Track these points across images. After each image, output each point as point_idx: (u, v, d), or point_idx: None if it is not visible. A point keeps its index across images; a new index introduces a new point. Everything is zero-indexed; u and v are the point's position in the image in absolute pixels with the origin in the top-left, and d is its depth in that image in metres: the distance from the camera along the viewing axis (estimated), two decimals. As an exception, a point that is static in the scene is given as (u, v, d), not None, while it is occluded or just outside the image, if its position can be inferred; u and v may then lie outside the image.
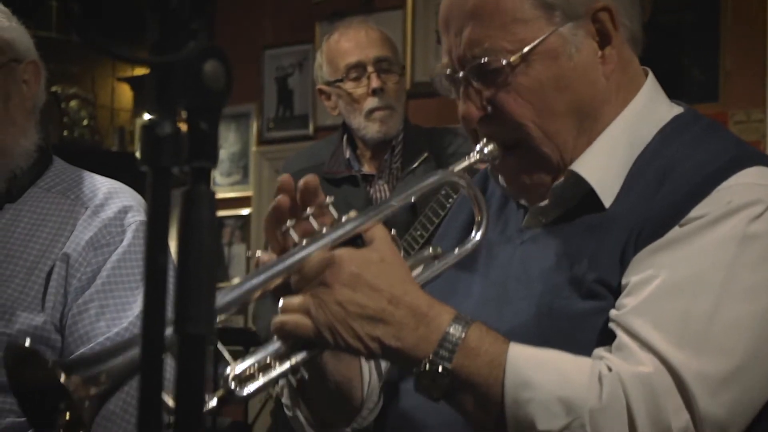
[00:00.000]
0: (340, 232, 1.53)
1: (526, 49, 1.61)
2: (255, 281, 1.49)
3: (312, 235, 1.53)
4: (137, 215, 2.15)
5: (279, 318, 1.51)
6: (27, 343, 1.41)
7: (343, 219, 1.55)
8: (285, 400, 1.77)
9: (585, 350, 1.52)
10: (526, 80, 1.61)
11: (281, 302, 1.51)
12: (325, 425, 1.76)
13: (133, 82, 7.12)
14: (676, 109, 1.73)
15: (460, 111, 1.68)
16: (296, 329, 1.49)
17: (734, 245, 1.51)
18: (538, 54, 1.61)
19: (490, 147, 1.66)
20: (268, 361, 1.51)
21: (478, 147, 1.67)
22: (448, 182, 1.68)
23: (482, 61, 1.62)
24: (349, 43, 3.50)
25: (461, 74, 1.66)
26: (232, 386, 1.48)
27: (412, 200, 1.63)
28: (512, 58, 1.61)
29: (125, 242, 2.10)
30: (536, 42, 1.61)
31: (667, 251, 1.52)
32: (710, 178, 1.55)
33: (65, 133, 6.83)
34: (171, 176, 0.82)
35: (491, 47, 1.61)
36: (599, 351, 1.52)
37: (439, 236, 1.92)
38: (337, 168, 3.52)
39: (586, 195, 1.64)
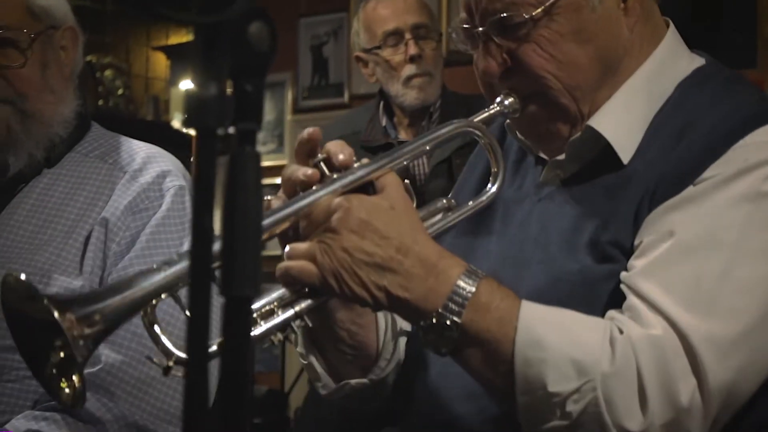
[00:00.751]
0: (350, 178, 1.51)
1: (548, 3, 1.59)
2: (263, 223, 1.46)
3: (322, 181, 1.51)
4: (176, 180, 2.15)
5: (284, 263, 1.48)
6: (23, 277, 1.39)
7: (355, 165, 1.53)
8: (299, 348, 1.75)
9: (600, 313, 1.51)
10: (548, 33, 1.60)
11: (287, 248, 1.49)
12: (341, 376, 1.74)
13: (168, 50, 7.11)
14: (698, 61, 1.71)
15: (480, 66, 1.67)
16: (300, 275, 1.47)
17: (748, 204, 1.49)
18: (561, 7, 1.60)
19: (510, 99, 1.65)
20: (271, 308, 1.49)
21: (498, 99, 1.65)
22: (464, 131, 1.66)
23: (504, 15, 1.61)
24: (387, 9, 3.49)
25: (481, 29, 1.64)
26: None
27: (428, 148, 1.61)
28: (535, 12, 1.60)
29: (164, 207, 2.10)
30: None
31: (679, 211, 1.51)
32: (727, 136, 1.53)
33: (100, 102, 6.84)
34: (217, 138, 0.81)
35: (513, 1, 1.60)
36: (611, 313, 1.50)
37: (457, 188, 1.90)
38: (374, 136, 3.51)
39: (604, 150, 1.62)
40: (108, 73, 6.95)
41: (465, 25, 1.68)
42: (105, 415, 1.91)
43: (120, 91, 7.01)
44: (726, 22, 4.97)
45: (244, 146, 0.83)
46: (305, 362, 1.76)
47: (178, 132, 6.97)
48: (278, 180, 1.58)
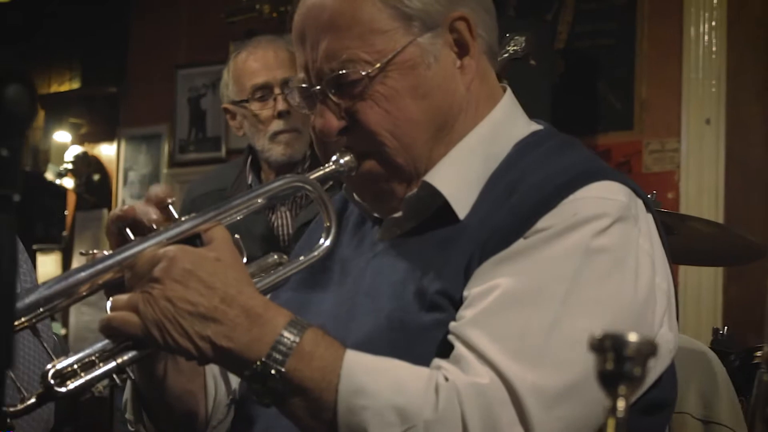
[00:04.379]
0: (177, 230, 1.49)
1: (384, 60, 1.60)
2: (83, 274, 1.44)
3: (149, 233, 1.49)
4: None
5: (106, 315, 1.45)
6: None
7: (183, 219, 1.50)
8: (128, 415, 1.71)
9: (426, 364, 1.49)
10: (383, 89, 1.60)
11: (110, 300, 1.46)
12: None
13: (44, 100, 6.98)
14: (535, 126, 1.73)
15: (318, 125, 1.65)
16: (123, 326, 1.44)
17: (578, 258, 1.50)
18: (397, 64, 1.60)
19: (347, 158, 1.64)
20: (92, 359, 1.46)
21: (334, 157, 1.64)
22: (296, 186, 1.64)
23: (340, 73, 1.60)
24: (257, 63, 3.45)
25: (318, 87, 1.64)
26: (52, 383, 1.43)
27: (259, 202, 1.58)
28: (370, 69, 1.60)
29: None
30: (394, 53, 1.60)
31: (509, 262, 1.51)
32: (557, 190, 1.54)
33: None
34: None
35: (349, 59, 1.60)
36: (437, 361, 1.49)
37: (299, 246, 1.88)
38: (239, 192, 3.45)
39: (441, 206, 1.63)
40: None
41: (302, 85, 1.67)
42: None
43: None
44: (603, 84, 5.06)
45: (-3, 213, 0.79)
46: (132, 429, 1.72)
47: (52, 183, 6.83)
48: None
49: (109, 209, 6.69)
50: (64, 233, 6.80)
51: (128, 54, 6.70)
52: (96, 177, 6.81)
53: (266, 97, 3.40)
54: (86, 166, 6.81)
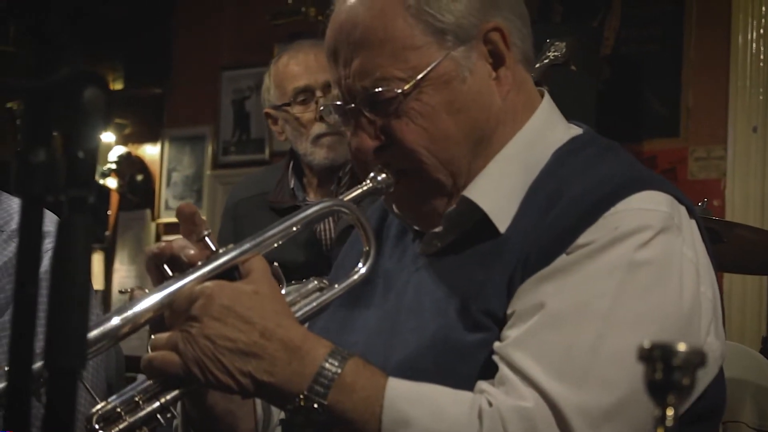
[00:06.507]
0: (214, 264, 1.49)
1: (418, 77, 1.58)
2: (123, 316, 1.44)
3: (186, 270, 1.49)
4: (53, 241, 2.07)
5: (147, 355, 1.46)
6: None
7: (220, 251, 1.51)
8: None
9: (470, 384, 1.49)
10: (418, 106, 1.59)
11: (151, 339, 1.47)
12: None
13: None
14: (575, 130, 1.71)
15: (353, 144, 1.65)
16: (163, 366, 1.45)
17: (621, 273, 1.48)
18: (431, 80, 1.59)
19: (383, 175, 1.63)
20: (136, 399, 1.46)
21: (371, 175, 1.63)
22: (333, 210, 1.63)
23: (374, 92, 1.59)
24: (298, 66, 3.45)
25: (352, 106, 1.63)
26: (96, 427, 1.43)
27: (295, 230, 1.57)
28: (405, 87, 1.58)
29: (41, 269, 2.02)
30: (428, 69, 1.58)
31: (552, 280, 1.50)
32: (598, 203, 1.52)
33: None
34: (44, 205, 0.79)
35: (382, 76, 1.59)
36: (481, 384, 1.49)
37: (337, 264, 1.87)
38: (281, 197, 3.46)
39: (481, 219, 1.61)
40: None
41: (337, 102, 1.66)
42: None
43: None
44: (650, 90, 5.03)
45: (73, 214, 0.81)
46: None
47: (96, 183, 6.88)
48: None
49: (152, 210, 6.74)
50: (107, 233, 6.86)
51: (173, 55, 6.75)
52: (139, 177, 6.86)
53: (308, 101, 3.40)
54: (130, 166, 6.86)
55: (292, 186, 3.47)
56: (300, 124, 3.40)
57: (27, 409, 0.79)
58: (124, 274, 6.77)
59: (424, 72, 1.58)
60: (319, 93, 3.39)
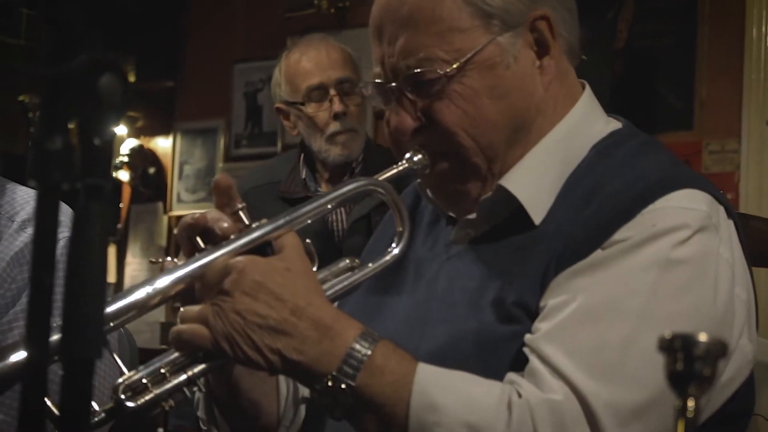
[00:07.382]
0: (247, 239, 1.48)
1: (463, 59, 1.57)
2: (154, 287, 1.43)
3: (220, 242, 1.48)
4: (66, 231, 2.07)
5: (176, 327, 1.45)
6: None
7: (254, 225, 1.49)
8: (200, 413, 1.72)
9: (500, 376, 1.48)
10: (461, 88, 1.58)
11: (180, 311, 1.46)
12: None
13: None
14: (614, 124, 1.69)
15: (392, 122, 1.63)
16: (193, 339, 1.44)
17: (656, 270, 1.47)
18: (475, 63, 1.58)
19: (419, 156, 1.62)
20: (163, 372, 1.45)
21: (407, 155, 1.62)
22: (368, 190, 1.61)
23: (417, 71, 1.58)
24: (310, 63, 3.43)
25: (394, 84, 1.62)
26: (123, 398, 1.43)
27: (329, 207, 1.57)
28: (448, 69, 1.57)
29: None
30: (473, 52, 1.58)
31: (586, 275, 1.49)
32: (636, 200, 1.51)
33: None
34: (60, 193, 0.79)
35: (427, 57, 1.58)
36: (511, 375, 1.48)
37: (369, 246, 1.86)
38: (293, 187, 3.46)
39: (516, 210, 1.60)
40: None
41: (377, 80, 1.65)
42: None
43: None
44: (663, 83, 5.01)
45: (89, 202, 0.80)
46: (205, 428, 1.73)
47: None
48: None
49: (164, 203, 6.74)
50: (119, 226, 6.87)
51: (185, 48, 6.75)
52: (151, 170, 6.86)
53: (322, 99, 3.39)
54: (142, 159, 6.86)
55: (303, 176, 3.48)
56: (314, 122, 3.40)
57: (42, 398, 0.78)
58: (136, 267, 6.77)
59: (469, 55, 1.57)
60: (332, 91, 3.38)
